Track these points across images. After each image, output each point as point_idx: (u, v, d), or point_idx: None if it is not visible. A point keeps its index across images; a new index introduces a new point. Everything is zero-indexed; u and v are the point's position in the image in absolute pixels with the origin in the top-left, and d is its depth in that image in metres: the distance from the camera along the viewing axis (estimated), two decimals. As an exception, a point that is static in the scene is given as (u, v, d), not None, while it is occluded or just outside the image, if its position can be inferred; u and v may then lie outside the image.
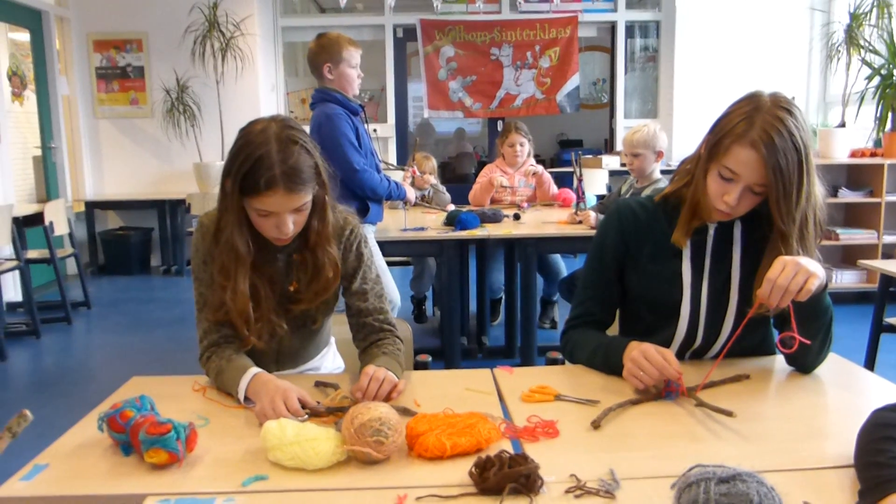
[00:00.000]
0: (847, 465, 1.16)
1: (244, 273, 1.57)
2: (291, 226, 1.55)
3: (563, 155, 9.42)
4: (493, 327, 4.69)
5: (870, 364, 3.34)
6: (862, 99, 5.76)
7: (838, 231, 5.31)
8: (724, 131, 1.52)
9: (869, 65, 5.61)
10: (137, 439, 1.22)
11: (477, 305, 4.56)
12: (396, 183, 3.45)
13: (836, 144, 5.40)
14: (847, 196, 5.29)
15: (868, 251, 5.24)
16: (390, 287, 3.34)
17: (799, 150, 1.47)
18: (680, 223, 1.65)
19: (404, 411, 1.39)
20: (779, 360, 1.69)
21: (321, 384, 1.59)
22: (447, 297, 3.70)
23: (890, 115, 5.52)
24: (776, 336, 1.62)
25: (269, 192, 1.48)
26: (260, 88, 7.04)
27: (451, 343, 3.69)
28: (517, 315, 4.07)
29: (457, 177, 9.72)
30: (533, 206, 4.47)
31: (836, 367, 1.67)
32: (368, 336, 1.71)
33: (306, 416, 1.38)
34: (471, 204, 4.53)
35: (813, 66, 7.29)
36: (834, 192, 5.30)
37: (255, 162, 1.48)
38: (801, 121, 1.49)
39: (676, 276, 1.66)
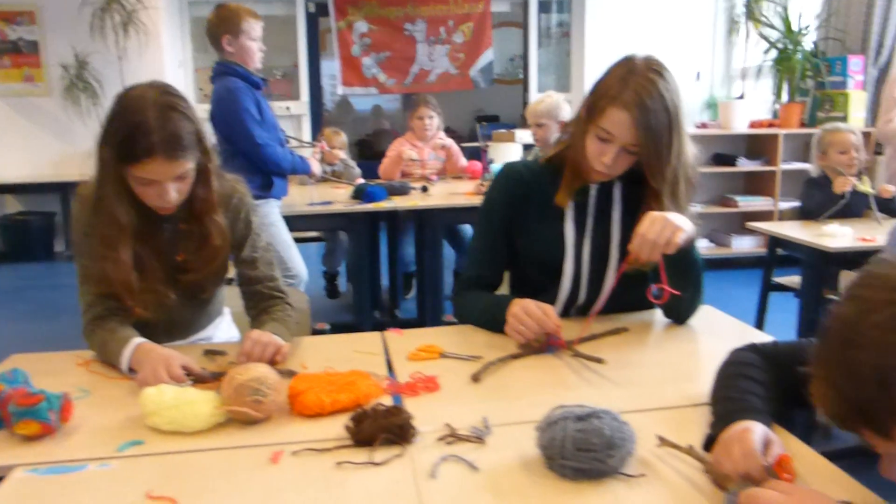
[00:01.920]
0: (705, 402, 1.24)
1: (126, 243, 1.54)
2: (174, 194, 1.52)
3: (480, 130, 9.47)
4: (407, 300, 4.72)
5: (760, 321, 3.52)
6: (759, 72, 6.01)
7: (737, 199, 5.55)
8: (600, 93, 1.57)
9: (766, 39, 5.85)
10: (7, 412, 1.19)
11: (389, 279, 4.58)
12: (301, 157, 3.42)
13: (735, 116, 5.62)
14: (746, 165, 5.52)
15: (765, 217, 5.47)
16: (296, 261, 3.33)
17: (669, 111, 1.54)
18: (562, 184, 1.70)
19: (288, 373, 1.40)
20: (657, 314, 1.77)
21: (210, 352, 1.59)
22: (356, 270, 3.71)
23: (785, 87, 5.78)
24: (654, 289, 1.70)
25: (148, 160, 1.45)
26: (166, 64, 6.81)
27: (362, 316, 3.70)
28: (428, 287, 4.11)
29: (375, 154, 9.65)
30: (442, 179, 4.51)
31: (710, 318, 1.77)
32: (259, 304, 1.71)
33: (190, 383, 1.37)
34: (381, 178, 4.53)
35: (717, 41, 7.53)
36: (733, 161, 5.52)
37: (132, 129, 1.44)
38: (671, 84, 1.56)
39: (560, 236, 1.71)
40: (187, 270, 1.65)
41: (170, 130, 1.45)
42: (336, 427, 1.20)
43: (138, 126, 1.44)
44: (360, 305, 3.72)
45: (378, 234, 4.52)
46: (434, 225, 3.63)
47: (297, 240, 5.01)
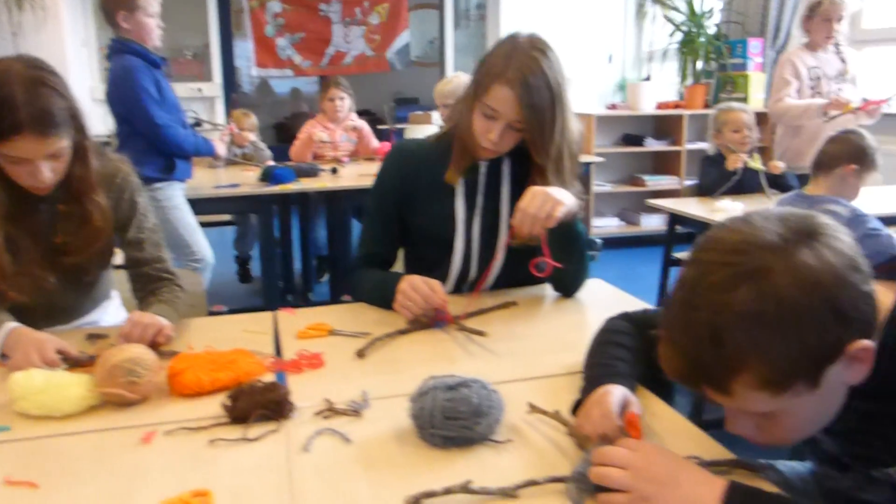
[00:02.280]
0: (580, 371, 1.28)
1: (-3, 224, 1.48)
2: (48, 174, 1.47)
3: (397, 112, 9.44)
4: (321, 284, 4.69)
5: (661, 296, 3.64)
6: (665, 55, 6.17)
7: (645, 178, 5.70)
8: (485, 71, 1.59)
9: (672, 22, 6.00)
10: None
11: (302, 263, 4.54)
12: (204, 138, 3.34)
13: (643, 97, 5.76)
14: (652, 145, 5.67)
15: (672, 195, 5.63)
16: (201, 245, 3.26)
17: (552, 88, 1.57)
18: (452, 162, 1.72)
19: (171, 354, 1.38)
20: (547, 288, 1.81)
21: (92, 336, 1.55)
22: (266, 253, 3.66)
23: (690, 69, 5.96)
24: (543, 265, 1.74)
25: (17, 137, 1.39)
26: (66, 43, 6.52)
27: (271, 299, 3.66)
28: (340, 270, 4.10)
29: (293, 137, 9.51)
30: (354, 161, 4.48)
31: (598, 291, 1.83)
32: (146, 286, 1.68)
33: (64, 367, 1.34)
34: (292, 161, 4.47)
35: (628, 24, 7.69)
36: (641, 141, 5.66)
37: None
38: (555, 62, 1.59)
39: (451, 213, 1.73)
40: (67, 253, 1.59)
41: (39, 106, 1.40)
42: (214, 406, 1.18)
43: (4, 101, 1.38)
44: (270, 289, 3.68)
45: (290, 217, 4.46)
46: (344, 207, 3.61)
47: (208, 224, 4.92)
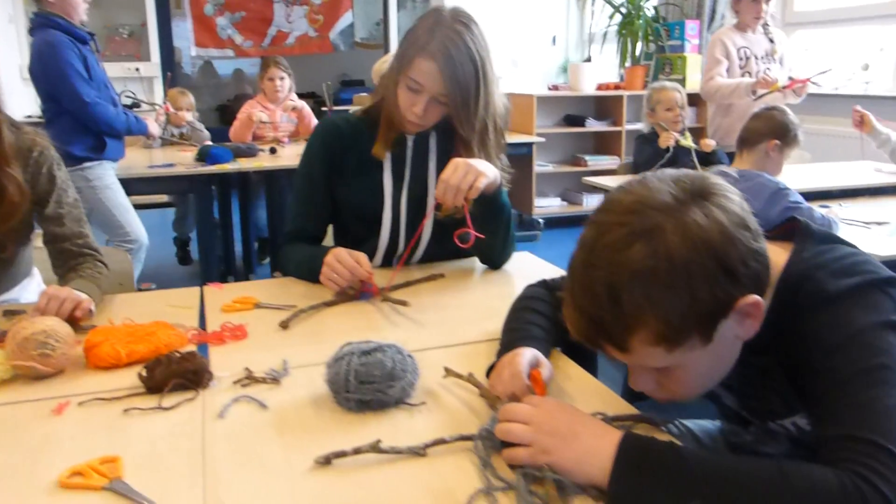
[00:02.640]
0: (498, 337, 1.30)
1: None
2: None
3: (342, 95, 9.36)
4: (263, 266, 4.65)
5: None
6: (605, 37, 6.25)
7: (586, 158, 5.78)
8: (409, 44, 1.60)
9: (611, 4, 6.07)
10: None
11: (242, 245, 4.49)
12: (136, 116, 3.27)
13: (584, 78, 5.82)
14: (594, 126, 5.75)
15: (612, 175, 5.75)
16: (134, 226, 3.20)
17: (475, 61, 1.58)
18: (378, 136, 1.72)
19: (89, 328, 1.36)
20: (475, 262, 1.84)
21: (9, 312, 1.52)
22: (203, 234, 3.61)
23: (630, 51, 6.05)
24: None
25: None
26: (-7, 20, 6.30)
27: (210, 281, 3.60)
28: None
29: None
30: (295, 141, 4.44)
31: (526, 263, 1.86)
32: (67, 262, 1.65)
33: (-21, 343, 1.31)
34: (232, 141, 4.40)
35: (571, 6, 7.75)
36: (583, 122, 5.73)
37: None
38: (478, 35, 1.60)
39: (379, 187, 1.74)
40: (-18, 229, 1.56)
41: (-55, 78, 1.36)
42: (132, 378, 1.18)
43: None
44: (208, 270, 3.64)
45: (230, 199, 4.41)
46: (284, 188, 3.58)
47: (148, 205, 4.83)
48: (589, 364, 1.27)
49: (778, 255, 0.96)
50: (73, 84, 2.96)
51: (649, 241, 0.82)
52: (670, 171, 0.90)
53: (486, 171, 1.53)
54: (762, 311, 0.88)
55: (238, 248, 4.53)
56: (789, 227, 1.02)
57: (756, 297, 0.86)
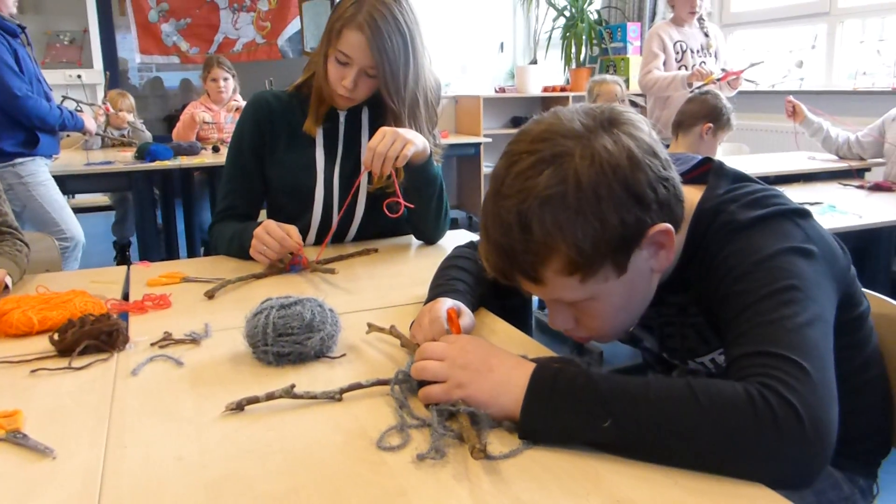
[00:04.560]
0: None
1: None
2: None
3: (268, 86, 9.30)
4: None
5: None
6: (550, 38, 6.32)
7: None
8: (337, 17, 1.59)
9: (555, 7, 6.15)
10: None
11: (187, 248, 4.41)
12: (71, 112, 3.20)
13: (530, 81, 5.89)
14: (541, 127, 5.79)
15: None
16: (70, 223, 3.12)
17: (403, 34, 1.58)
18: (309, 111, 1.70)
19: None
20: (411, 238, 1.83)
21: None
22: (142, 233, 3.54)
23: (574, 53, 6.12)
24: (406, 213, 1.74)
25: None
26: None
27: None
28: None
29: (183, 127, 9.22)
30: (240, 141, 4.38)
31: (462, 238, 1.84)
32: (-16, 241, 1.59)
33: None
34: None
35: (517, 12, 7.83)
36: (529, 123, 5.77)
37: None
38: (406, 8, 1.60)
39: (311, 163, 1.72)
40: None
41: None
42: (44, 343, 1.14)
43: None
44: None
45: (173, 201, 4.33)
46: (225, 184, 3.52)
47: (87, 209, 4.71)
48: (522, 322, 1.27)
49: (693, 195, 0.97)
50: (2, 77, 2.88)
51: (558, 168, 0.82)
52: (582, 104, 0.91)
53: (415, 140, 1.52)
54: (674, 241, 0.88)
55: (183, 253, 4.45)
56: (704, 169, 1.03)
57: (667, 226, 0.86)
